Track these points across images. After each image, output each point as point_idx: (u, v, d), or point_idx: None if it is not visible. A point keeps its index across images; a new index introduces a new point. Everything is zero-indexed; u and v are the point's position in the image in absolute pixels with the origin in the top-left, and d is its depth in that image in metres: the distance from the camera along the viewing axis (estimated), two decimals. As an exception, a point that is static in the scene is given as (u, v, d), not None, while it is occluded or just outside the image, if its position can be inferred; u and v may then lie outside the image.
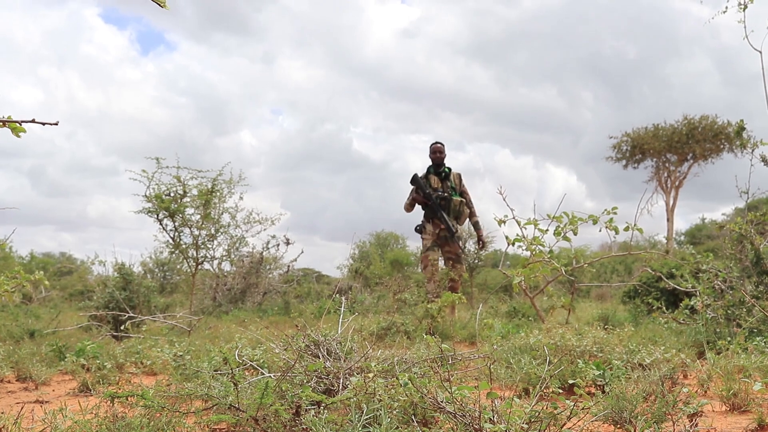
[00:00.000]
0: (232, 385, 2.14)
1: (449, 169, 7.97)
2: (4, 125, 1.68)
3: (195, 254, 8.70)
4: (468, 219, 8.00)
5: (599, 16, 46.04)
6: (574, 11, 47.55)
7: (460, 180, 8.00)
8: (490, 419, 1.71)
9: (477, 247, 8.20)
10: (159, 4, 1.39)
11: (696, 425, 2.05)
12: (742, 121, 4.75)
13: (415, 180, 7.90)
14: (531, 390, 2.78)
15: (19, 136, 1.67)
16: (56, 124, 1.72)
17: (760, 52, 4.13)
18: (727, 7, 4.17)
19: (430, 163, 7.98)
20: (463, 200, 7.89)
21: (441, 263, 7.96)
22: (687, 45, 40.05)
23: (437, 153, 7.92)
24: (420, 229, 7.90)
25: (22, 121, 1.68)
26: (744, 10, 4.11)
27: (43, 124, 1.70)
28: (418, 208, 8.02)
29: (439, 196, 7.76)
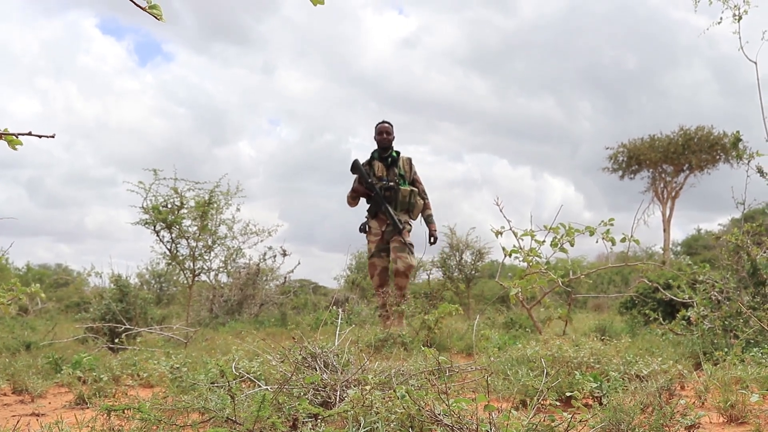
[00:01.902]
0: (229, 397, 2.14)
1: (397, 154, 6.83)
2: (0, 138, 1.68)
3: (192, 266, 8.69)
4: (420, 213, 6.89)
5: (597, 26, 46.32)
6: (573, 22, 47.81)
7: (411, 166, 6.87)
8: (488, 431, 1.71)
9: (429, 242, 6.88)
10: (156, 17, 1.39)
11: (693, 437, 2.05)
12: (738, 132, 4.77)
13: (355, 167, 6.78)
14: (528, 402, 2.77)
15: (15, 149, 1.67)
16: (53, 136, 1.72)
17: (756, 63, 4.15)
18: (722, 18, 4.19)
19: (375, 147, 6.86)
20: (415, 190, 6.75)
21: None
22: (685, 55, 40.27)
23: (383, 134, 6.74)
24: (364, 229, 6.83)
25: (19, 134, 1.68)
26: (738, 21, 4.14)
27: (40, 136, 1.69)
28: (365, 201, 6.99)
29: (384, 185, 6.65)
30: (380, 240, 6.67)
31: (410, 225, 6.77)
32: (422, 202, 6.83)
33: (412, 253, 6.69)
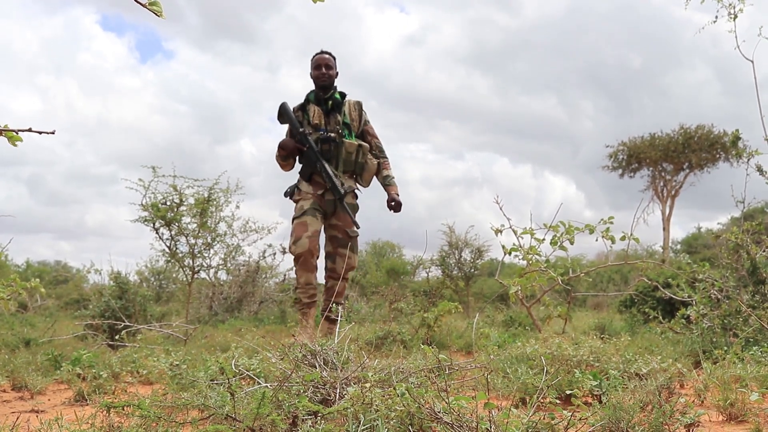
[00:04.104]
0: (228, 395, 2.14)
1: (341, 96, 5.10)
2: (1, 134, 1.68)
3: (191, 263, 8.69)
4: (375, 175, 5.20)
5: (600, 25, 46.39)
6: (575, 21, 47.89)
7: (361, 113, 5.16)
8: (488, 429, 1.71)
9: (390, 208, 5.13)
10: (156, 14, 1.39)
11: (693, 435, 2.05)
12: (737, 130, 4.77)
13: (283, 113, 5.07)
14: (528, 400, 2.78)
15: (15, 145, 1.67)
16: (53, 132, 1.72)
17: (752, 62, 4.15)
18: (717, 17, 4.19)
19: (312, 88, 5.10)
20: (365, 145, 5.06)
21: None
22: (688, 54, 40.33)
23: (321, 68, 4.98)
24: (292, 192, 5.13)
25: (19, 130, 1.68)
26: (734, 20, 4.13)
27: (40, 132, 1.69)
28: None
29: (322, 137, 4.96)
30: (318, 202, 4.98)
31: (357, 193, 5.18)
32: (375, 162, 5.15)
33: (356, 249, 5.15)
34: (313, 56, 5.07)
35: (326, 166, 4.92)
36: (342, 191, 4.95)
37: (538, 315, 5.76)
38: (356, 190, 5.16)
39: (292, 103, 5.11)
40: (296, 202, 5.06)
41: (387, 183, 5.18)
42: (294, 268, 5.02)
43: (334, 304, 4.96)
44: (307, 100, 5.10)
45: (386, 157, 5.23)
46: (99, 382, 3.45)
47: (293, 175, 5.15)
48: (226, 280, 10.15)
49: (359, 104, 5.17)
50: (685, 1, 4.18)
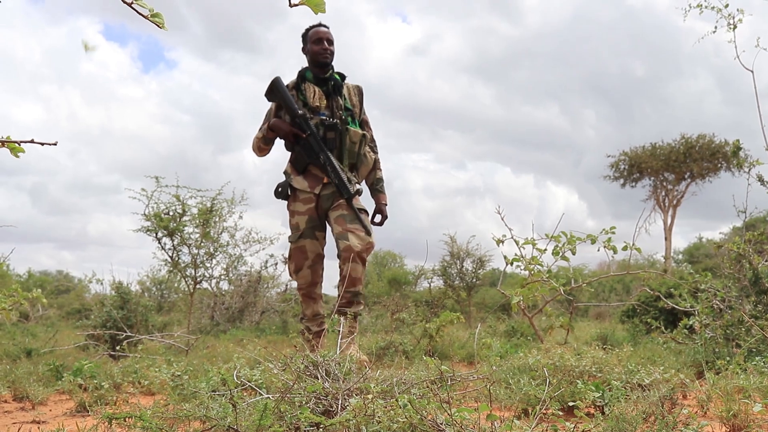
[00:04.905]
0: (230, 406, 2.13)
1: (341, 77, 4.37)
2: (3, 145, 1.68)
3: (193, 273, 8.69)
4: (367, 173, 4.47)
5: (602, 34, 46.59)
6: (577, 30, 48.10)
7: (361, 99, 4.46)
8: (490, 441, 1.71)
9: (373, 221, 4.41)
10: (158, 25, 1.39)
11: (696, 447, 2.04)
12: (737, 140, 4.77)
13: (274, 90, 4.24)
14: (530, 411, 2.77)
15: (18, 156, 1.67)
16: (55, 144, 1.72)
17: (752, 72, 4.16)
18: (716, 27, 4.21)
19: (307, 65, 4.35)
20: (366, 135, 4.38)
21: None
22: (690, 63, 40.49)
23: (323, 42, 4.26)
24: (285, 192, 4.37)
25: (21, 141, 1.68)
26: (734, 30, 4.15)
27: (42, 144, 1.69)
28: (280, 148, 4.44)
29: (326, 123, 4.21)
30: (314, 210, 4.28)
31: (360, 187, 4.42)
32: (374, 157, 4.48)
33: (370, 228, 4.29)
34: (309, 29, 4.34)
35: (332, 158, 4.20)
36: (352, 190, 4.22)
37: (540, 325, 5.75)
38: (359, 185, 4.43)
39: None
40: (290, 212, 4.37)
41: (378, 188, 4.52)
42: (299, 299, 4.53)
43: (347, 310, 4.13)
44: (302, 78, 4.31)
45: (377, 151, 4.56)
46: (100, 392, 3.44)
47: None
48: (228, 290, 10.14)
49: (359, 89, 4.48)
50: (685, 12, 4.20)
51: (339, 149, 4.26)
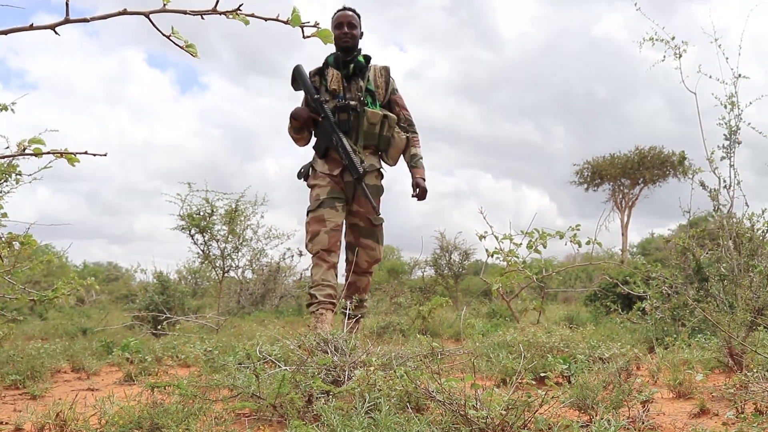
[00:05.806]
0: (254, 376, 2.14)
1: (365, 60, 3.82)
2: (61, 156, 1.69)
3: (222, 264, 8.69)
4: (402, 152, 3.89)
5: (570, 63, 46.67)
6: (549, 58, 48.16)
7: (388, 80, 3.85)
8: (474, 406, 1.71)
9: (414, 195, 3.78)
10: (191, 54, 1.39)
11: (648, 410, 2.04)
12: (683, 151, 4.76)
13: (297, 77, 3.77)
14: (508, 381, 2.77)
15: (73, 165, 1.68)
16: (105, 155, 1.72)
17: (695, 94, 4.15)
18: (665, 56, 4.20)
19: (333, 51, 3.79)
20: (391, 116, 3.78)
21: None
22: (644, 87, 40.67)
23: (344, 27, 3.74)
24: (306, 173, 3.88)
25: (77, 153, 1.69)
26: (679, 59, 4.15)
27: (94, 155, 1.70)
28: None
29: (339, 105, 3.68)
30: (333, 185, 3.74)
31: (382, 172, 3.90)
32: (404, 137, 3.86)
33: (382, 239, 3.86)
34: (335, 13, 3.79)
35: (343, 139, 3.66)
36: (360, 170, 3.65)
37: (516, 308, 5.74)
38: (381, 169, 3.89)
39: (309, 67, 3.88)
40: (311, 187, 3.79)
41: (413, 164, 3.85)
42: (311, 267, 3.72)
43: (353, 302, 3.82)
44: (326, 64, 3.82)
45: (416, 132, 3.92)
46: (144, 365, 3.45)
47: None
48: (252, 279, 10.13)
49: (387, 69, 3.86)
50: (640, 43, 4.19)
51: (356, 131, 3.73)
